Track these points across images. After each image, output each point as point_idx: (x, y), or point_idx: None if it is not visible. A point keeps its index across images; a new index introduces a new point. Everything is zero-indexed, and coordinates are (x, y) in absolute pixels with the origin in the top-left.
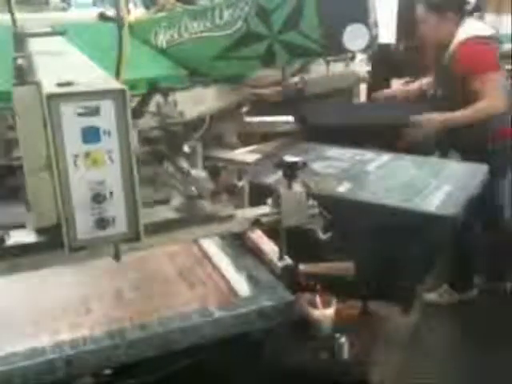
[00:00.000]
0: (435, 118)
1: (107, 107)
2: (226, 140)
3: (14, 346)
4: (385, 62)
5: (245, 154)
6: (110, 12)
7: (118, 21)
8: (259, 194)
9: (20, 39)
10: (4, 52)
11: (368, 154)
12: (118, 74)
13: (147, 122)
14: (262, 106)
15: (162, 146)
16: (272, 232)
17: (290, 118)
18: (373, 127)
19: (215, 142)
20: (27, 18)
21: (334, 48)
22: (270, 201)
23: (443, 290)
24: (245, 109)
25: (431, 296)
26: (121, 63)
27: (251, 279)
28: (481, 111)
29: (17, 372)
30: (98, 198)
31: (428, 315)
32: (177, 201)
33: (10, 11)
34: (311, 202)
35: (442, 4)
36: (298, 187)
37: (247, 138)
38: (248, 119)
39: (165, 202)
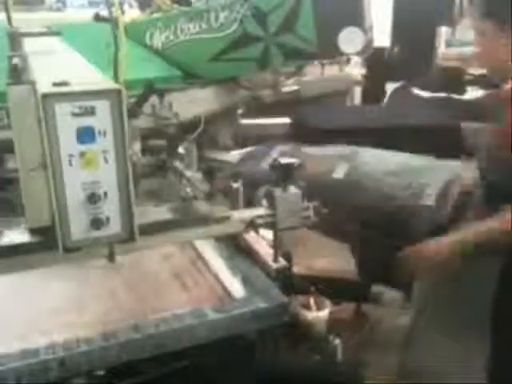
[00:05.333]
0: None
1: (103, 107)
2: (221, 142)
3: (8, 347)
4: (380, 65)
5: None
6: (105, 13)
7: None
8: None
9: (15, 39)
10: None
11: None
12: (115, 76)
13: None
14: (257, 107)
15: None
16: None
17: (286, 120)
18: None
19: (210, 143)
20: (22, 18)
21: (330, 51)
22: (265, 202)
23: None
24: (240, 110)
25: None
26: (118, 65)
27: (245, 281)
28: None
29: (10, 373)
30: (92, 199)
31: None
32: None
33: (7, 10)
34: (306, 203)
35: (502, 10)
36: (293, 189)
37: (242, 139)
38: (243, 121)
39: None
